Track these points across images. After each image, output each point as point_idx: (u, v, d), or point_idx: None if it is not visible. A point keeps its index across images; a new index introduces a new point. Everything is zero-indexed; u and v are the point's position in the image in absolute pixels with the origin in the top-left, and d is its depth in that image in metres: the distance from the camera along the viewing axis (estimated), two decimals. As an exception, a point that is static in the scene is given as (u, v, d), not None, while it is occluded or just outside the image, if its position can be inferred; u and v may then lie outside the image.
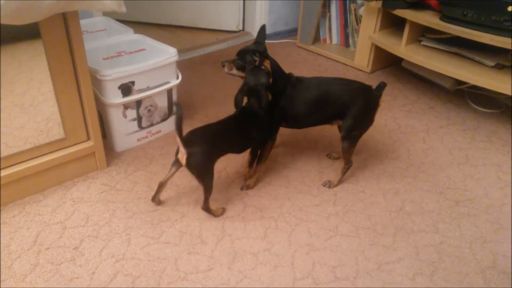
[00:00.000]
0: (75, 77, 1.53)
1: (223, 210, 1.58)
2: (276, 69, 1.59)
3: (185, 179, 1.72)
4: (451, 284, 1.33)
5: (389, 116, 2.22)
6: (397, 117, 2.22)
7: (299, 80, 1.63)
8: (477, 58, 2.18)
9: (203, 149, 1.41)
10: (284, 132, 2.02)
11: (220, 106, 2.24)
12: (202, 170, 1.44)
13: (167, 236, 1.46)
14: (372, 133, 2.04)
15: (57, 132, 1.57)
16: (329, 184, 1.70)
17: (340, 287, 1.30)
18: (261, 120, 1.56)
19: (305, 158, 1.88)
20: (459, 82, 2.36)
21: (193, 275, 1.33)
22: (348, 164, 1.67)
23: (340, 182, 1.71)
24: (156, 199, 1.57)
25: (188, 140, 1.39)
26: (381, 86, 1.58)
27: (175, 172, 1.50)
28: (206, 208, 1.50)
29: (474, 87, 2.30)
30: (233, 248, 1.43)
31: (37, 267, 1.32)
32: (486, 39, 1.96)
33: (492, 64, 2.12)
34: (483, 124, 2.17)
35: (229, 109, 2.21)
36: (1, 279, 1.28)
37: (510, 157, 1.92)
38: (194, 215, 1.56)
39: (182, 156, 1.39)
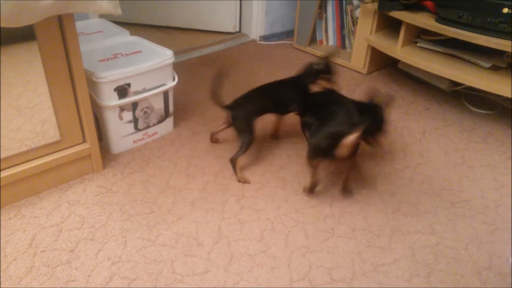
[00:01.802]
0: (71, 80, 1.52)
1: (246, 181, 1.74)
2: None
3: (181, 181, 1.72)
4: (447, 285, 1.33)
5: (386, 118, 2.22)
6: (394, 118, 2.22)
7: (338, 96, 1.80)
8: (472, 59, 2.18)
9: (241, 111, 1.73)
10: (281, 134, 2.03)
11: (218, 109, 2.23)
12: (241, 129, 1.73)
13: (163, 239, 1.46)
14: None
15: (53, 134, 1.56)
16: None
17: (336, 288, 1.30)
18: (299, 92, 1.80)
19: (302, 160, 1.88)
20: (455, 83, 2.37)
21: (190, 277, 1.33)
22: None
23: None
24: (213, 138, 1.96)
25: (230, 105, 1.74)
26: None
27: (225, 128, 1.86)
28: (233, 160, 1.73)
29: (470, 88, 2.31)
30: (230, 250, 1.43)
31: (33, 270, 1.32)
32: (482, 41, 1.96)
33: (488, 65, 2.13)
34: (479, 125, 2.17)
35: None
36: (-3, 282, 1.27)
37: (507, 157, 1.93)
38: (190, 217, 1.55)
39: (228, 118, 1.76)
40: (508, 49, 1.91)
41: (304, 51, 3.03)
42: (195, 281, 1.32)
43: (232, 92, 1.70)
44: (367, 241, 1.47)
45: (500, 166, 1.88)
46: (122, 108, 1.76)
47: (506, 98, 2.27)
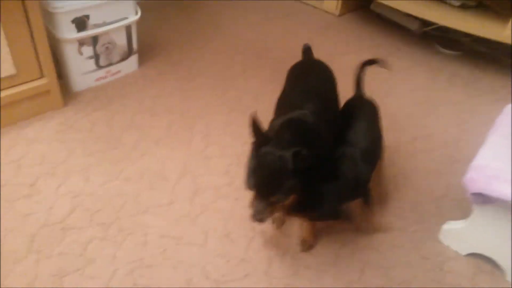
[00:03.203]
0: (24, 10, 1.43)
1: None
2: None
3: (146, 120, 1.69)
4: (404, 211, 1.38)
5: (354, 58, 2.19)
6: (362, 58, 2.18)
7: None
8: (443, -2, 2.16)
9: None
10: (249, 75, 2.00)
11: (184, 50, 2.16)
12: None
13: (127, 174, 1.45)
14: (338, 76, 2.03)
15: (8, 68, 1.48)
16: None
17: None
18: None
19: (270, 98, 1.86)
20: (426, 25, 2.36)
21: (154, 208, 1.34)
22: None
23: None
24: None
25: None
26: None
27: None
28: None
29: (440, 29, 2.30)
30: (195, 184, 1.43)
31: (-9, 204, 1.29)
32: (453, -23, 1.94)
33: (458, 4, 2.12)
34: (446, 66, 2.19)
35: (195, 53, 2.15)
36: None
37: (470, 96, 1.96)
38: (155, 154, 1.54)
39: None
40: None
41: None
42: (159, 212, 1.32)
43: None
44: (331, 174, 1.50)
45: (463, 104, 1.91)
46: (81, 43, 1.68)
47: (474, 40, 2.28)
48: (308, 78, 1.30)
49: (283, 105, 1.24)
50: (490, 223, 1.20)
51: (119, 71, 1.88)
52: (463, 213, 1.31)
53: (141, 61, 2.00)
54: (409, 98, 1.92)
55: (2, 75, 1.48)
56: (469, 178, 1.14)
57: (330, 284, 1.17)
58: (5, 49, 1.45)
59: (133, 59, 1.92)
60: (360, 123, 1.30)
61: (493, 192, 1.10)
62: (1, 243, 1.19)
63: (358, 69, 1.48)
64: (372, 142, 1.29)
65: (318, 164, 0.99)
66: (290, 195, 1.01)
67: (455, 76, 2.11)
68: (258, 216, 1.01)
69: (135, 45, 1.88)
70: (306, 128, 1.07)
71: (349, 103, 1.43)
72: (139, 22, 1.83)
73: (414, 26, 2.42)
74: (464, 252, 1.27)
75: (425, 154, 1.61)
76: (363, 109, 1.40)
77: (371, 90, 1.94)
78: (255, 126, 1.00)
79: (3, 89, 1.51)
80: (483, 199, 1.15)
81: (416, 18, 2.25)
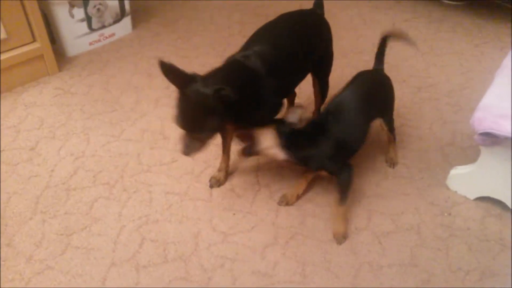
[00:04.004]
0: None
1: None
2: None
3: (143, 81, 1.65)
4: (410, 159, 1.37)
5: (355, 12, 2.15)
6: (363, 12, 2.15)
7: None
8: None
9: None
10: (247, 33, 1.94)
11: (180, 9, 2.10)
12: None
13: (128, 134, 1.43)
14: (337, 30, 1.98)
15: (-2, 32, 1.44)
16: None
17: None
18: None
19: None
20: (426, -25, 2.28)
21: (157, 167, 1.32)
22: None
23: None
24: None
25: None
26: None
27: None
28: None
29: (441, -21, 2.23)
30: (197, 142, 1.41)
31: (-7, 169, 1.28)
32: None
33: (460, -50, 2.04)
34: (448, 16, 2.13)
35: (191, 12, 2.08)
36: (-45, 182, 1.23)
37: (474, 45, 1.91)
38: (155, 114, 1.51)
39: None
40: None
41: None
42: (162, 170, 1.31)
43: None
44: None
45: (467, 53, 1.87)
46: (72, 4, 1.62)
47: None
48: (278, 23, 1.23)
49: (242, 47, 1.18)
50: (498, 165, 1.18)
51: (113, 34, 1.83)
52: (470, 160, 1.29)
53: (135, 23, 1.94)
54: (412, 50, 1.87)
55: (-7, 40, 1.45)
56: (477, 118, 1.11)
57: (338, 232, 1.17)
58: (-6, 12, 1.41)
59: (127, 21, 1.86)
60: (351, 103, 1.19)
61: (501, 131, 1.08)
62: (6, 206, 1.18)
63: (380, 42, 1.39)
64: (353, 132, 1.18)
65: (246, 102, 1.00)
66: (214, 133, 1.04)
67: (457, 26, 2.06)
68: (186, 150, 1.05)
69: (127, 6, 1.83)
70: (240, 69, 1.06)
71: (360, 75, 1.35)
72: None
73: (414, -24, 2.34)
74: (472, 197, 1.26)
75: (430, 103, 1.59)
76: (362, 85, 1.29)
77: (373, 44, 1.89)
78: (169, 69, 0.97)
79: (-4, 54, 1.47)
80: (491, 139, 1.13)
81: (416, -33, 2.18)
